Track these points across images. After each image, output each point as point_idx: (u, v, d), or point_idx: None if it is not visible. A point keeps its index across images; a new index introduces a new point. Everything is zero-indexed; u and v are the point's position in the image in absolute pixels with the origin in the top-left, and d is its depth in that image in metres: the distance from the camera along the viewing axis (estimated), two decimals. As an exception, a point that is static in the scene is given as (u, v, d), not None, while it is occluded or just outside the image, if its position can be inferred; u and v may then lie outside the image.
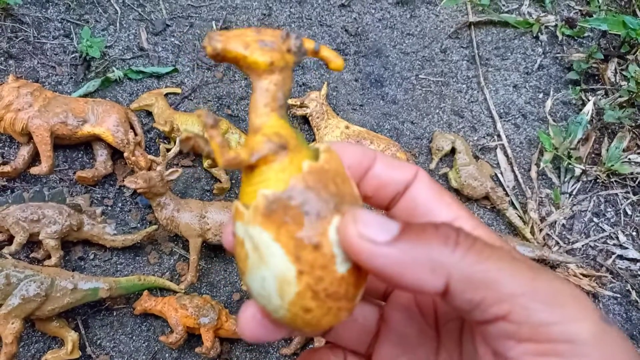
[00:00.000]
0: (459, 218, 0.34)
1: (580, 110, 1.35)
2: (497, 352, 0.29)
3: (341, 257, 0.30)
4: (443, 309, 0.37)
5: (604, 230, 1.28)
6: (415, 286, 0.29)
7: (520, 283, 0.28)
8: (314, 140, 1.28)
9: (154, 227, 1.13)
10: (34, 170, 1.13)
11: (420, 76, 1.39)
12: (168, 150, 1.15)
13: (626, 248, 1.26)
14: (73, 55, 1.29)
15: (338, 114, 1.32)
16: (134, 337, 1.11)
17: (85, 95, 1.24)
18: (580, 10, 1.46)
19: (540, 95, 1.39)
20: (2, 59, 1.24)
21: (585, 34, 1.43)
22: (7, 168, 1.13)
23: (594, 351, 0.27)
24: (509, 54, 1.43)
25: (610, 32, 1.34)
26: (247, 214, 0.30)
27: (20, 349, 1.05)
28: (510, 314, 0.28)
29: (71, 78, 1.27)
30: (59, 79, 1.27)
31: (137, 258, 1.16)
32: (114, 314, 1.12)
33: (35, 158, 1.17)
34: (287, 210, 0.29)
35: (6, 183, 1.15)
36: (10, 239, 1.09)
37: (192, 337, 1.09)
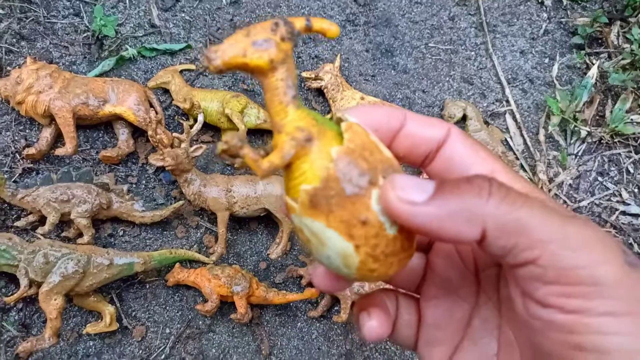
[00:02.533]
0: (495, 171, 0.36)
1: (585, 74, 1.39)
2: (525, 292, 0.31)
3: (388, 222, 0.33)
4: (481, 256, 0.40)
5: (608, 189, 1.34)
6: (455, 238, 0.31)
7: (550, 230, 0.29)
8: (329, 112, 1.31)
9: (181, 202, 1.17)
10: (59, 151, 1.15)
11: (429, 45, 1.41)
12: (190, 126, 1.17)
13: (629, 204, 1.33)
14: (85, 35, 1.29)
15: (351, 85, 1.34)
16: (167, 308, 1.16)
17: (100, 75, 1.25)
18: (583, -27, 1.48)
19: (546, 60, 1.43)
20: (15, 40, 1.24)
21: (589, -2, 1.46)
22: (31, 150, 1.14)
23: (618, 292, 0.28)
24: (515, 20, 1.45)
25: (613, -5, 1.37)
26: (297, 208, 0.33)
27: (61, 324, 1.09)
28: (539, 259, 0.29)
29: (85, 57, 1.27)
30: (73, 59, 1.27)
31: (165, 232, 1.20)
32: (147, 286, 1.16)
33: (57, 139, 1.19)
34: (329, 199, 0.32)
35: (31, 165, 1.17)
36: (41, 220, 1.12)
37: (224, 305, 1.14)
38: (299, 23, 0.34)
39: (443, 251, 0.42)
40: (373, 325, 0.39)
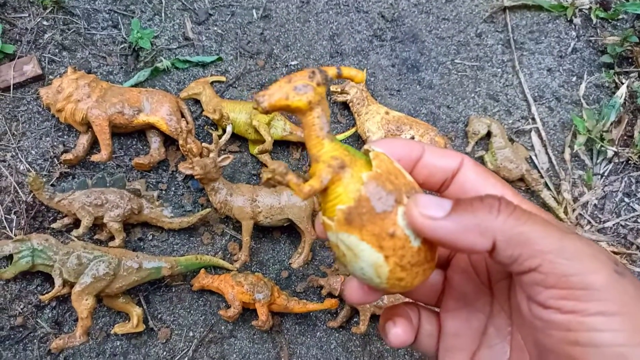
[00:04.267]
0: (504, 196, 0.40)
1: (614, 93, 1.38)
2: (529, 296, 0.36)
3: (413, 235, 0.38)
4: (494, 270, 0.45)
5: (634, 210, 1.32)
6: (470, 248, 0.37)
7: (550, 242, 0.34)
8: (354, 125, 1.33)
9: (208, 210, 1.21)
10: (95, 157, 1.20)
11: (455, 61, 1.42)
12: (219, 137, 1.21)
13: (656, 227, 1.31)
14: (122, 46, 1.34)
15: (376, 99, 1.36)
16: (191, 311, 1.20)
17: (136, 85, 1.30)
18: (614, -8, 1.47)
19: (574, 79, 1.42)
20: (57, 51, 1.31)
21: (620, 17, 1.45)
22: (69, 156, 1.20)
23: (606, 296, 0.33)
24: (543, 38, 1.45)
25: (645, 14, 1.36)
26: (333, 225, 0.38)
27: (91, 323, 1.14)
28: (540, 267, 0.34)
29: (121, 68, 1.33)
30: (110, 69, 1.33)
31: (192, 239, 1.24)
32: (173, 290, 1.21)
33: (93, 146, 1.25)
34: (361, 216, 0.37)
35: (68, 170, 1.23)
36: (75, 223, 1.17)
37: (245, 311, 1.17)
38: (332, 71, 0.40)
39: (460, 267, 0.47)
40: (398, 332, 0.45)
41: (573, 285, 0.34)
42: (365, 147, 0.41)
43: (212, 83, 1.33)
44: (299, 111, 0.39)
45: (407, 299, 0.51)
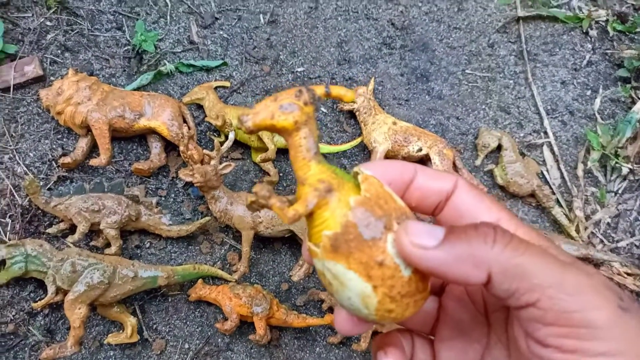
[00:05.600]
0: (500, 220, 0.39)
1: (630, 108, 1.34)
2: (527, 333, 0.34)
3: (403, 264, 0.36)
4: (491, 299, 0.43)
5: (649, 230, 1.28)
6: (463, 280, 0.34)
7: (549, 275, 0.32)
8: (360, 134, 1.30)
9: (207, 218, 1.17)
10: (94, 162, 1.17)
11: (466, 71, 1.39)
12: (221, 143, 1.18)
13: (671, 248, 1.26)
14: (126, 48, 1.32)
15: (384, 109, 1.33)
16: (188, 323, 1.16)
17: (138, 89, 1.28)
18: (632, 4, 1.43)
19: (589, 92, 1.38)
20: (59, 52, 1.28)
21: (638, 30, 1.40)
22: (67, 159, 1.17)
23: (610, 334, 0.31)
24: (558, 50, 1.41)
25: (664, 28, 1.31)
26: (319, 252, 0.36)
27: (84, 332, 1.11)
28: (539, 302, 0.32)
29: (124, 70, 1.30)
30: (113, 72, 1.30)
31: (190, 247, 1.21)
32: (169, 300, 1.17)
33: (93, 150, 1.22)
34: (348, 243, 0.35)
35: (66, 173, 1.20)
36: (71, 228, 1.14)
37: (243, 324, 1.13)
38: (320, 90, 0.38)
39: (455, 294, 0.45)
40: None
41: (574, 323, 0.31)
42: (355, 169, 0.39)
43: (216, 88, 1.30)
44: (284, 131, 0.38)
45: (400, 326, 0.49)
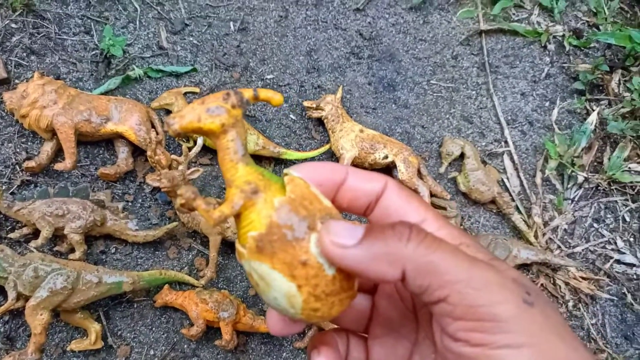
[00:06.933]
0: (426, 220, 0.40)
1: (585, 119, 1.40)
2: (441, 327, 0.36)
3: (327, 263, 0.37)
4: (416, 298, 0.44)
5: (603, 236, 1.34)
6: (380, 277, 0.35)
7: (458, 271, 0.33)
8: (328, 141, 1.32)
9: (175, 223, 1.17)
10: (58, 166, 1.16)
11: (431, 81, 1.43)
12: (189, 149, 1.18)
13: (624, 253, 1.32)
14: (93, 52, 1.31)
15: (351, 117, 1.36)
16: (153, 329, 1.15)
17: (106, 93, 1.27)
18: (587, 21, 1.50)
19: (547, 104, 1.44)
20: (25, 54, 1.27)
21: (592, 45, 1.48)
22: (31, 163, 1.16)
23: (515, 327, 0.32)
24: (518, 62, 1.47)
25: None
26: (245, 253, 0.37)
27: (46, 339, 1.09)
28: (448, 297, 0.33)
29: (92, 75, 1.30)
30: (80, 76, 1.29)
31: (157, 253, 1.20)
32: (135, 306, 1.16)
33: (58, 154, 1.20)
34: (272, 243, 0.36)
35: (30, 178, 1.18)
36: (35, 233, 1.12)
37: (210, 330, 1.13)
38: (248, 93, 0.39)
39: (386, 292, 0.46)
40: None
41: (481, 317, 0.33)
42: (285, 171, 0.40)
43: (185, 94, 1.30)
44: (212, 134, 0.38)
45: (335, 326, 0.50)
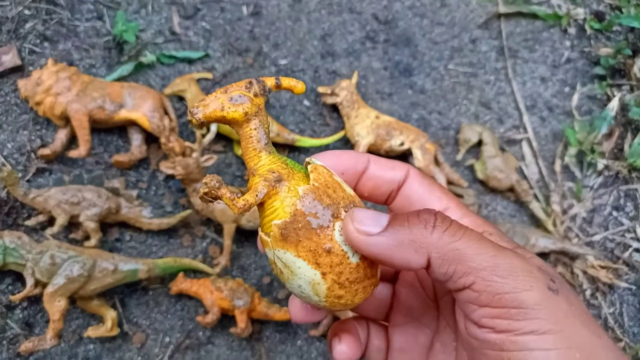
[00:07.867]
0: (449, 208, 0.40)
1: (606, 105, 1.37)
2: (466, 315, 0.36)
3: (351, 251, 0.37)
4: (439, 285, 0.44)
5: (622, 224, 1.31)
6: (405, 264, 0.35)
7: (483, 259, 0.34)
8: (342, 128, 1.30)
9: (189, 211, 1.17)
10: (72, 153, 1.16)
11: (448, 66, 1.40)
12: (203, 136, 1.17)
13: (643, 242, 1.29)
14: (106, 39, 1.30)
15: (367, 103, 1.33)
16: (168, 316, 1.16)
17: (119, 79, 1.26)
18: (609, 4, 1.45)
19: (567, 89, 1.40)
20: (39, 41, 1.26)
21: (614, 28, 1.43)
22: (46, 151, 1.15)
23: (539, 314, 0.32)
24: (537, 47, 1.43)
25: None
26: (269, 241, 0.37)
27: (63, 325, 1.10)
28: (474, 284, 0.34)
29: (104, 61, 1.29)
30: (92, 62, 1.28)
31: (171, 240, 1.20)
32: (150, 293, 1.17)
33: (72, 141, 1.20)
34: (297, 231, 0.36)
35: (45, 165, 1.18)
36: (51, 220, 1.13)
37: (224, 317, 1.14)
38: (270, 82, 0.39)
39: (407, 281, 0.47)
40: (343, 349, 0.44)
41: (506, 304, 0.33)
42: (307, 159, 0.40)
43: (198, 80, 1.29)
44: (235, 122, 0.38)
45: (356, 314, 0.50)
